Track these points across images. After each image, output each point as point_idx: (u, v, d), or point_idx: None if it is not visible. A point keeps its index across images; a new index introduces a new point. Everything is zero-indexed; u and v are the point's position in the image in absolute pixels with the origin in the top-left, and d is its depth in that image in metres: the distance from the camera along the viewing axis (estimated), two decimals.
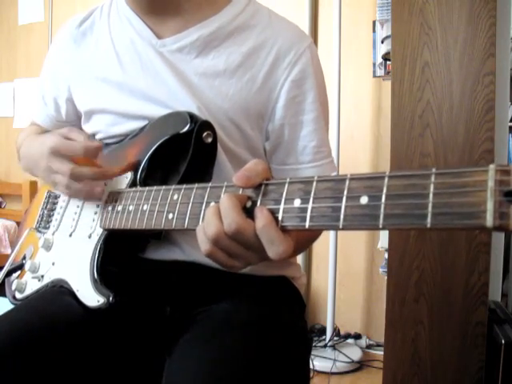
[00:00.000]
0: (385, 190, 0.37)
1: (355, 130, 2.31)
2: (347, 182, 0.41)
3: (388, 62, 2.06)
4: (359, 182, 0.40)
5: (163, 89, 0.73)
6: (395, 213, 0.36)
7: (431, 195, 0.34)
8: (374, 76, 2.23)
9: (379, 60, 2.17)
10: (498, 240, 1.49)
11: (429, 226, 0.34)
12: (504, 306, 1.47)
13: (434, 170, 0.35)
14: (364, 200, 0.39)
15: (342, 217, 0.40)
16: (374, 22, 2.18)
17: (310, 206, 0.42)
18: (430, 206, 0.34)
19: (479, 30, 1.30)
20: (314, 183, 0.43)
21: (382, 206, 0.37)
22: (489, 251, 1.29)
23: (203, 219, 0.51)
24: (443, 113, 1.35)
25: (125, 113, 0.76)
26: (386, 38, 1.95)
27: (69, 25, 0.84)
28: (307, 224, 0.42)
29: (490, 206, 0.31)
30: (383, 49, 2.02)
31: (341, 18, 2.14)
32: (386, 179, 0.38)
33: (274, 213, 0.45)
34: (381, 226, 0.37)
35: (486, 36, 1.29)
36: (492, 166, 0.32)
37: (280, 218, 0.45)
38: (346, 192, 0.40)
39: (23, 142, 0.86)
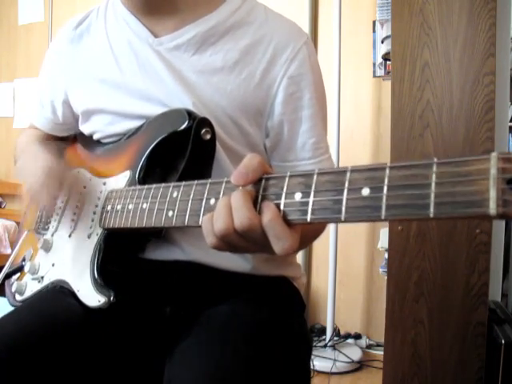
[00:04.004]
0: (386, 181, 0.37)
1: (355, 129, 2.31)
2: (348, 174, 0.40)
3: (388, 62, 2.06)
4: (360, 173, 0.39)
5: (161, 87, 0.72)
6: (397, 203, 0.36)
7: (433, 185, 0.34)
8: (374, 76, 2.24)
9: (379, 60, 2.17)
10: (498, 240, 1.49)
11: (432, 215, 0.34)
12: (504, 306, 1.47)
13: (435, 160, 0.35)
14: (366, 192, 0.38)
15: (343, 209, 0.39)
16: (374, 22, 2.18)
17: (311, 199, 0.42)
18: (433, 195, 0.34)
19: (479, 30, 1.30)
20: (315, 176, 0.43)
21: (384, 197, 0.37)
22: (489, 251, 1.29)
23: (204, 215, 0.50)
24: (443, 113, 1.35)
25: (122, 112, 0.75)
26: (386, 37, 1.95)
27: (66, 27, 0.84)
28: (309, 217, 0.42)
29: (492, 193, 0.31)
30: (383, 49, 2.02)
31: (341, 18, 2.14)
32: (388, 170, 0.37)
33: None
34: (383, 217, 0.36)
35: (486, 36, 1.29)
36: (494, 154, 0.32)
37: (282, 213, 0.44)
38: (347, 184, 0.40)
39: (21, 153, 0.86)
